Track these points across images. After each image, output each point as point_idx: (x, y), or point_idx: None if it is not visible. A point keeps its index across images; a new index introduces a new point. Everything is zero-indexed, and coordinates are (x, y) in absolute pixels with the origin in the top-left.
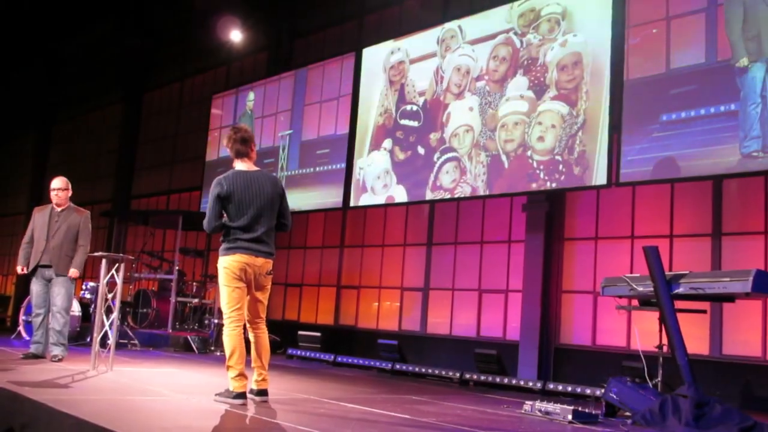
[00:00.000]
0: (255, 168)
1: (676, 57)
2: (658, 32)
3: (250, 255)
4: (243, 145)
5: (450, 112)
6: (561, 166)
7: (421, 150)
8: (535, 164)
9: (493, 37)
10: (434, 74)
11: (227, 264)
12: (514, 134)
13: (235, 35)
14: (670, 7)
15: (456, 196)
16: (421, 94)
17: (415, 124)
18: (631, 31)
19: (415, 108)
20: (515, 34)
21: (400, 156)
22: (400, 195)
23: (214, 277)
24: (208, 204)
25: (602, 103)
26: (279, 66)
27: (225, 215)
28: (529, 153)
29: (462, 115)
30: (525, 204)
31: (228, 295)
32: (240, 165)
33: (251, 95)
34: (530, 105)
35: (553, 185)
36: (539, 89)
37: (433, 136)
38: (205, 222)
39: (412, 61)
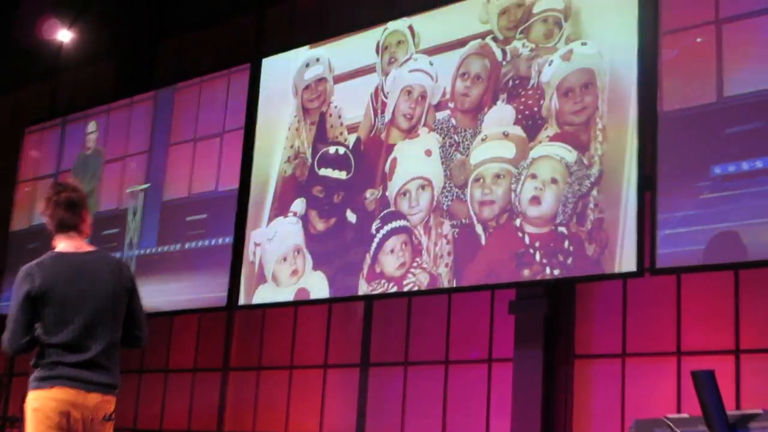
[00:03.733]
0: (88, 248)
1: (733, 79)
2: (703, 41)
3: (77, 390)
4: (69, 212)
5: (396, 158)
6: (567, 243)
7: (351, 217)
8: (527, 239)
9: (462, 43)
10: (371, 99)
11: (40, 404)
12: (494, 193)
13: (64, 35)
14: (720, 5)
15: (406, 289)
16: (352, 129)
17: (342, 175)
18: (665, 39)
19: (342, 150)
20: (494, 39)
21: (319, 225)
22: (319, 287)
23: (17, 421)
24: (10, 308)
25: (627, 147)
26: (132, 84)
27: (39, 325)
28: (517, 222)
29: (415, 162)
30: (513, 302)
31: None
32: (64, 244)
33: (91, 126)
34: (519, 148)
35: (556, 273)
36: (532, 124)
37: (370, 195)
38: (5, 336)
39: (338, 79)
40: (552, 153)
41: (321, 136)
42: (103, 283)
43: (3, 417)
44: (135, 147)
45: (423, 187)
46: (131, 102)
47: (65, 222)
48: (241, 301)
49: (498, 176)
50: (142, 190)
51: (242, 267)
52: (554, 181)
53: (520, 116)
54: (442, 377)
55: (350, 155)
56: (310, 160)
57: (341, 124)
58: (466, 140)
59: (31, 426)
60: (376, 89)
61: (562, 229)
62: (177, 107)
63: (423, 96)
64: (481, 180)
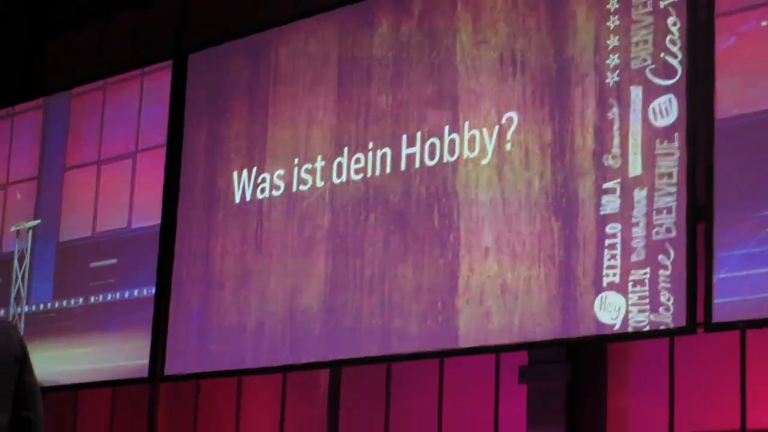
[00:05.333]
0: None
1: None
2: None
3: None
4: None
5: None
6: None
7: None
8: None
9: None
10: None
11: None
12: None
13: None
14: None
15: (394, 352)
16: None
17: None
18: (721, 21)
19: None
20: None
21: None
22: (273, 351)
23: None
24: None
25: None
26: (16, 89)
27: None
28: None
29: None
30: (525, 367)
31: None
32: None
33: None
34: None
35: (580, 330)
36: None
37: None
38: None
39: None
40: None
41: None
42: None
43: None
44: (19, 172)
45: None
46: (12, 112)
47: None
48: (168, 370)
49: None
50: (30, 229)
51: (167, 325)
52: None
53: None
54: None
55: None
56: None
57: None
58: None
59: None
60: None
61: None
62: (74, 119)
63: None
64: None
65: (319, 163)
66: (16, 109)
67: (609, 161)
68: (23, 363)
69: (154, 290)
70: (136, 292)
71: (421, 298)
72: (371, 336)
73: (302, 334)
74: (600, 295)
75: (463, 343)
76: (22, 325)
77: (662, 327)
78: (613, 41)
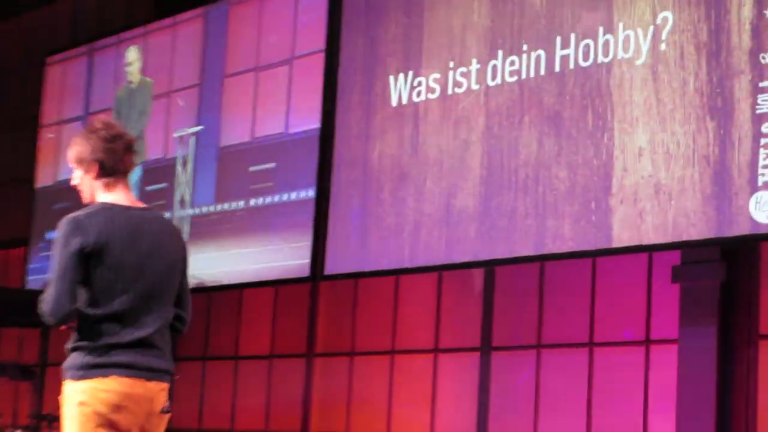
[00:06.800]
0: (140, 204)
1: None
2: None
3: (136, 379)
4: (120, 153)
5: None
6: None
7: None
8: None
9: None
10: None
11: (88, 397)
12: None
13: None
14: None
15: (548, 252)
16: None
17: None
18: None
19: None
20: None
21: None
22: (430, 251)
23: (54, 421)
24: (51, 267)
25: None
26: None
27: (84, 291)
28: None
29: None
30: (678, 267)
31: None
32: (114, 195)
33: (131, 53)
34: None
35: (734, 229)
36: None
37: None
38: (47, 300)
39: None
40: None
41: None
42: (163, 249)
43: (37, 415)
44: (182, 80)
45: None
46: (174, 22)
47: (116, 166)
48: (328, 270)
49: None
50: (193, 134)
51: (328, 225)
52: None
53: None
54: (585, 363)
55: None
56: None
57: None
58: None
59: (74, 424)
60: None
61: None
62: (232, 28)
63: None
64: None
65: (474, 66)
66: (177, 19)
67: (766, 59)
68: (186, 266)
69: (313, 193)
70: (294, 195)
71: (575, 198)
72: (525, 236)
73: (458, 235)
74: (755, 195)
75: (617, 243)
76: (187, 227)
77: None
78: None
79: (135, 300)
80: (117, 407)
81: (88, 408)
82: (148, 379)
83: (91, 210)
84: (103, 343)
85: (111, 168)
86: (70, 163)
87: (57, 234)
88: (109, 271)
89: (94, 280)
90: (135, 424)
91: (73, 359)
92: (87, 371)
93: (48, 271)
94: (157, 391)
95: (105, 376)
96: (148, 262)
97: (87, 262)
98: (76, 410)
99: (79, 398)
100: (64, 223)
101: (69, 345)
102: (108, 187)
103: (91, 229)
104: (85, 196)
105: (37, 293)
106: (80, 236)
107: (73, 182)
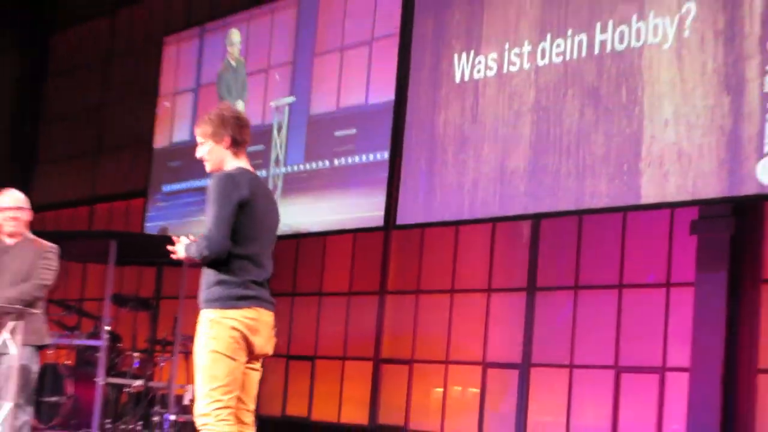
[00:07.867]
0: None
1: None
2: None
3: (265, 309)
4: (245, 129)
5: None
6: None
7: None
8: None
9: None
10: None
11: (237, 322)
12: None
13: None
14: None
15: (586, 207)
16: None
17: None
18: None
19: None
20: None
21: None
22: (485, 205)
23: (168, 345)
24: (214, 210)
25: None
26: None
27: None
28: None
29: None
30: (696, 221)
31: (223, 372)
32: (244, 162)
33: (234, 36)
34: None
35: (743, 189)
36: None
37: None
38: (213, 235)
39: None
40: None
41: None
42: (275, 206)
43: (153, 340)
44: (278, 58)
45: None
46: (270, 8)
47: (241, 138)
48: (399, 220)
49: None
50: (287, 104)
51: (399, 184)
52: None
53: None
54: (615, 302)
55: None
56: None
57: None
58: None
59: (222, 345)
60: None
61: None
62: (323, 12)
63: None
64: None
65: (526, 48)
66: (276, 5)
67: None
68: None
69: (387, 154)
70: (371, 156)
71: (610, 161)
72: (567, 193)
73: (509, 191)
74: (762, 160)
75: (645, 200)
76: (280, 183)
77: None
78: None
79: (262, 245)
80: (256, 331)
81: (237, 333)
82: (270, 310)
83: (234, 170)
84: (247, 278)
85: (238, 140)
86: (202, 137)
87: (215, 186)
88: (251, 220)
89: (239, 226)
90: (262, 346)
91: (221, 291)
92: (237, 301)
93: (206, 215)
94: (272, 319)
95: (249, 306)
96: (269, 216)
97: (239, 211)
98: (227, 333)
99: (231, 323)
100: (222, 178)
101: (211, 278)
102: (236, 155)
103: (244, 185)
104: (212, 165)
105: (155, 237)
106: (237, 190)
107: (200, 154)
